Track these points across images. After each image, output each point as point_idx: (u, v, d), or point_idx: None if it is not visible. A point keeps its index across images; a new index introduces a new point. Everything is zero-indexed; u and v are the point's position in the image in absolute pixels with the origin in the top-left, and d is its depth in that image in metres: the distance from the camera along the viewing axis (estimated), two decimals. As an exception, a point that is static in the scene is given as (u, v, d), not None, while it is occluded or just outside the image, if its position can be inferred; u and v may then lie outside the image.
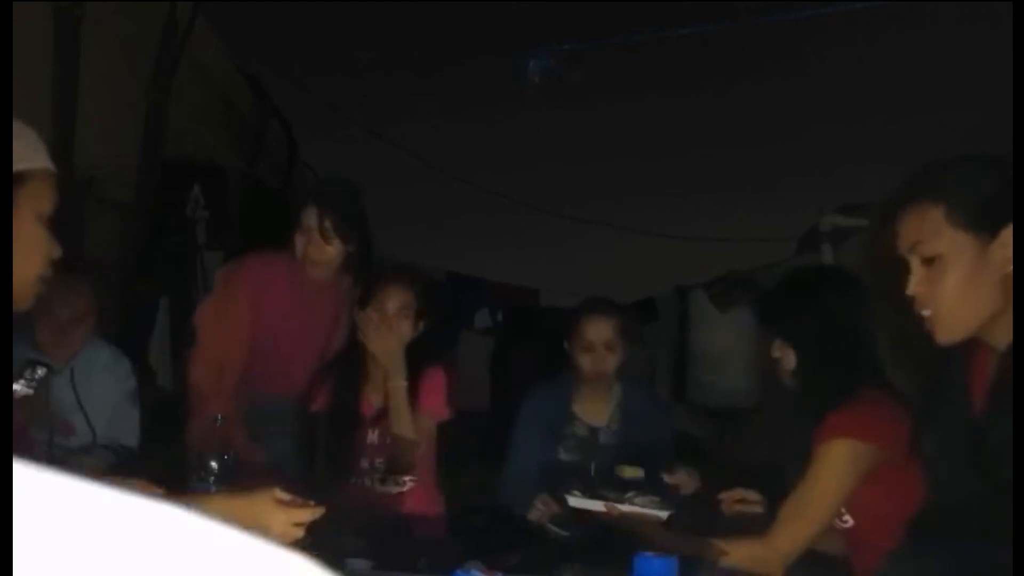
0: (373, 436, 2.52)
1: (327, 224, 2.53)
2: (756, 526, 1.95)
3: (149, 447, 2.65)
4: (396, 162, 7.51)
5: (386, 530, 2.31)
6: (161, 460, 2.48)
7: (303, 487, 2.51)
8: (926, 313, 1.45)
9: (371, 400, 2.55)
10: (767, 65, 7.61)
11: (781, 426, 2.17)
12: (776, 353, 2.05)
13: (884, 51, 6.97)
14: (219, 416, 2.23)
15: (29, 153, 1.31)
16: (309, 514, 1.50)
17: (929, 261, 1.43)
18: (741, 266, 6.08)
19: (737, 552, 1.85)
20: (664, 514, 1.97)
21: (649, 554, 1.59)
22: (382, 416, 2.50)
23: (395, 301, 2.49)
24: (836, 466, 1.85)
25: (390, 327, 2.46)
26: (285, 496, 1.50)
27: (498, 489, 2.75)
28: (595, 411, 2.74)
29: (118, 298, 3.36)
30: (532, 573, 1.96)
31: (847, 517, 1.91)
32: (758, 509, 2.13)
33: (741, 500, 2.15)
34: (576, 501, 2.08)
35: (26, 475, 0.32)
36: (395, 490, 2.43)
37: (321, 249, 2.54)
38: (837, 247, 4.18)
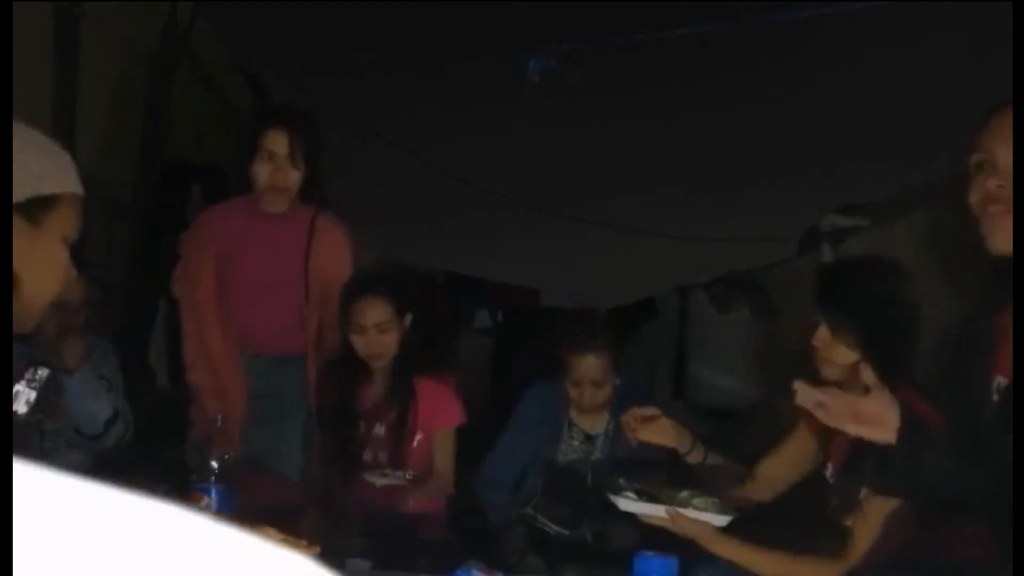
0: (380, 430, 2.53)
1: (297, 149, 2.46)
2: (823, 540, 1.86)
3: (149, 447, 2.65)
4: (396, 162, 7.52)
5: (386, 530, 2.32)
6: (161, 460, 2.48)
7: (303, 483, 2.54)
8: (999, 211, 1.45)
9: (376, 396, 2.56)
10: (767, 65, 7.61)
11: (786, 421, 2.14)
12: (818, 343, 1.95)
13: (884, 51, 6.98)
14: (219, 417, 2.24)
15: (62, 176, 1.30)
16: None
17: (993, 166, 1.45)
18: (741, 266, 6.08)
19: (812, 572, 1.76)
20: (723, 519, 1.79)
21: (649, 554, 1.59)
22: (387, 411, 2.52)
23: (373, 317, 2.45)
24: None
25: (381, 343, 2.45)
26: (277, 536, 1.49)
27: (479, 489, 2.73)
28: (591, 420, 2.74)
29: (118, 298, 3.36)
30: (532, 573, 1.96)
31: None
32: (664, 423, 2.03)
33: (643, 418, 2.04)
34: (628, 504, 1.82)
35: (26, 475, 0.32)
36: (397, 483, 2.47)
37: (287, 175, 2.47)
38: (837, 247, 4.18)
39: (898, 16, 6.08)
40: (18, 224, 1.26)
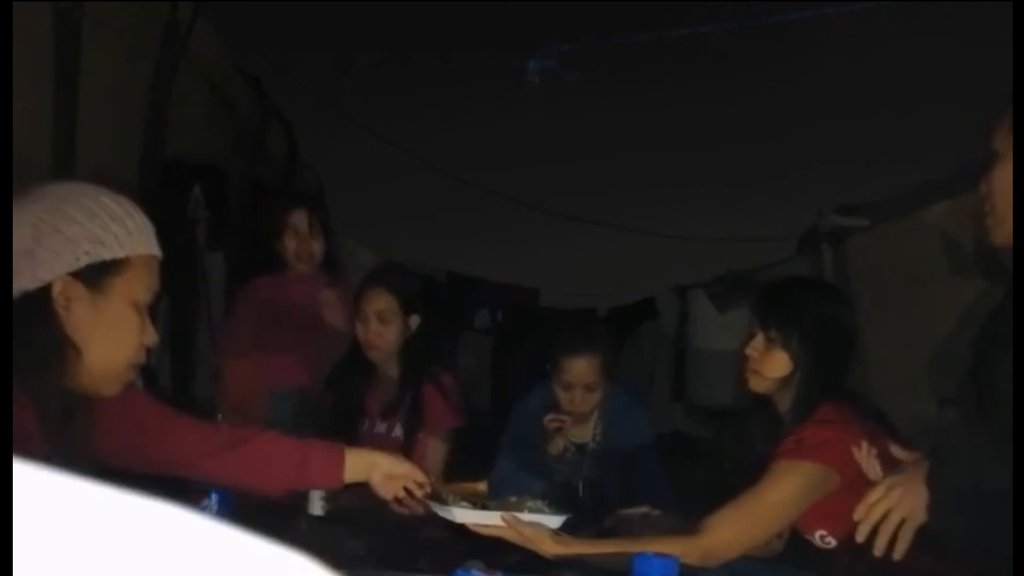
0: (381, 427, 2.56)
1: (316, 222, 2.94)
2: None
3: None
4: (396, 162, 7.52)
5: (386, 530, 2.32)
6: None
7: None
8: (989, 211, 1.54)
9: (379, 395, 2.59)
10: (766, 66, 7.61)
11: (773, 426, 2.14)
12: (753, 352, 1.97)
13: (884, 50, 6.98)
14: (220, 415, 2.25)
15: (130, 239, 1.28)
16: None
17: (994, 156, 1.52)
18: (741, 266, 6.08)
19: (658, 549, 1.66)
20: (557, 520, 1.77)
21: (649, 553, 1.58)
22: (391, 411, 2.55)
23: (374, 305, 2.53)
24: (789, 487, 1.78)
25: (379, 334, 2.52)
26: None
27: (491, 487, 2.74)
28: (579, 430, 2.70)
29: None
30: (532, 573, 1.95)
31: (829, 538, 1.87)
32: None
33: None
34: (463, 514, 1.76)
35: (26, 475, 0.32)
36: None
37: (310, 245, 2.91)
38: (837, 247, 4.18)
39: (898, 16, 6.08)
40: (77, 291, 1.25)
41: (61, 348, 1.24)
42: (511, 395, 3.00)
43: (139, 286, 1.31)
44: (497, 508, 1.77)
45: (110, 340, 1.29)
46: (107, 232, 1.25)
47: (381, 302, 2.54)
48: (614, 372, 2.70)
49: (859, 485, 1.78)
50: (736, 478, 2.05)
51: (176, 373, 3.53)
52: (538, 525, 1.74)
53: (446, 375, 2.64)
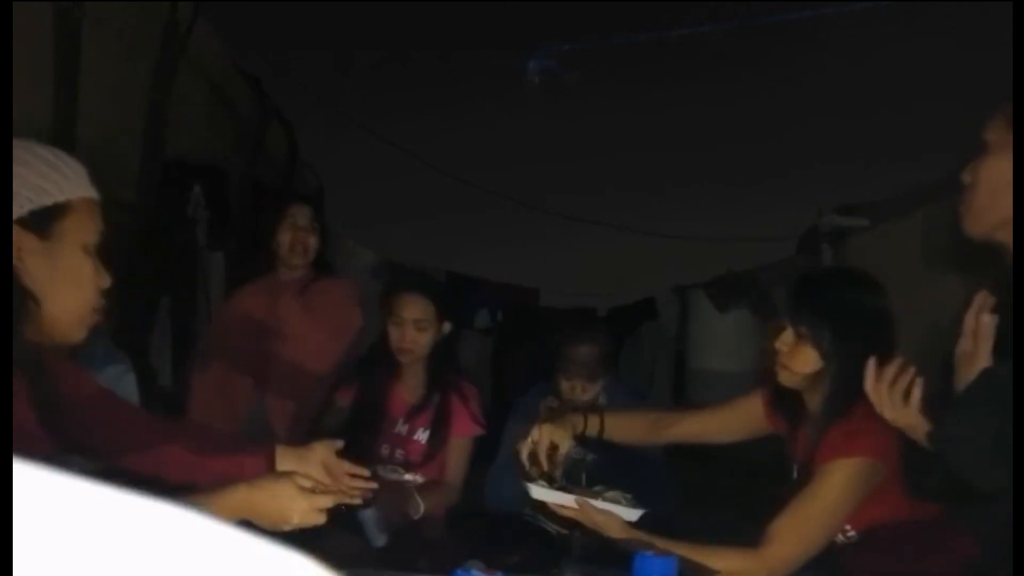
0: (403, 428, 2.56)
1: (315, 220, 2.93)
2: (737, 534, 1.84)
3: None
4: (396, 162, 7.53)
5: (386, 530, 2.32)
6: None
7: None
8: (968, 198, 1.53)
9: (403, 396, 2.59)
10: (767, 66, 7.61)
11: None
12: (782, 346, 1.90)
13: (885, 51, 6.98)
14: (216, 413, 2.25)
15: (68, 183, 1.30)
16: (330, 500, 1.47)
17: (983, 147, 1.51)
18: (741, 266, 6.09)
19: (722, 562, 1.71)
20: (634, 514, 1.79)
21: (649, 553, 1.58)
22: (415, 413, 2.55)
23: (411, 312, 2.53)
24: (844, 486, 1.76)
25: (415, 340, 2.53)
26: (306, 483, 1.48)
27: (489, 480, 2.77)
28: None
29: (118, 298, 3.34)
30: (532, 573, 1.95)
31: (851, 532, 1.86)
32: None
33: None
34: (539, 492, 1.82)
35: (26, 475, 0.32)
36: (408, 477, 2.49)
37: (306, 238, 2.88)
38: (837, 247, 4.18)
39: (898, 16, 6.08)
40: (28, 240, 1.26)
41: (22, 301, 1.25)
42: (511, 395, 3.01)
43: (86, 229, 1.32)
44: (578, 494, 1.81)
45: (66, 286, 1.30)
46: (46, 180, 1.27)
47: (418, 309, 2.53)
48: (613, 368, 2.74)
49: (891, 475, 1.77)
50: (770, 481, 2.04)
51: (176, 373, 3.53)
52: (611, 515, 1.76)
53: (467, 383, 2.64)
